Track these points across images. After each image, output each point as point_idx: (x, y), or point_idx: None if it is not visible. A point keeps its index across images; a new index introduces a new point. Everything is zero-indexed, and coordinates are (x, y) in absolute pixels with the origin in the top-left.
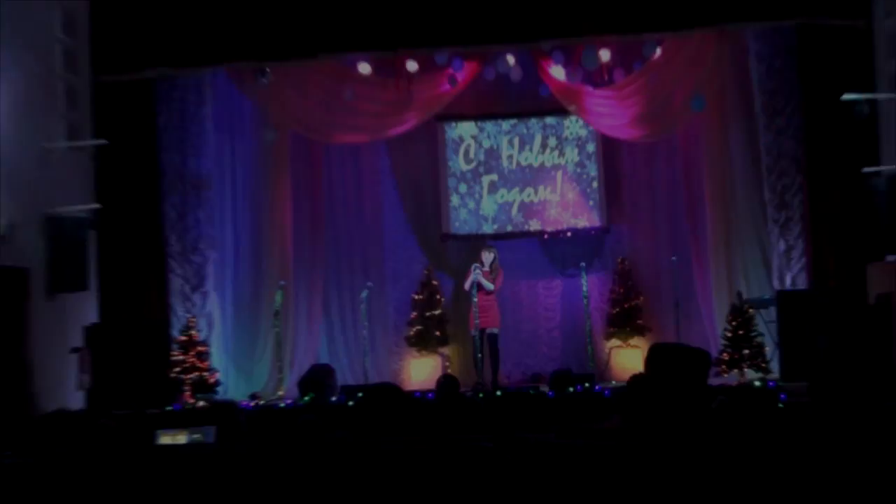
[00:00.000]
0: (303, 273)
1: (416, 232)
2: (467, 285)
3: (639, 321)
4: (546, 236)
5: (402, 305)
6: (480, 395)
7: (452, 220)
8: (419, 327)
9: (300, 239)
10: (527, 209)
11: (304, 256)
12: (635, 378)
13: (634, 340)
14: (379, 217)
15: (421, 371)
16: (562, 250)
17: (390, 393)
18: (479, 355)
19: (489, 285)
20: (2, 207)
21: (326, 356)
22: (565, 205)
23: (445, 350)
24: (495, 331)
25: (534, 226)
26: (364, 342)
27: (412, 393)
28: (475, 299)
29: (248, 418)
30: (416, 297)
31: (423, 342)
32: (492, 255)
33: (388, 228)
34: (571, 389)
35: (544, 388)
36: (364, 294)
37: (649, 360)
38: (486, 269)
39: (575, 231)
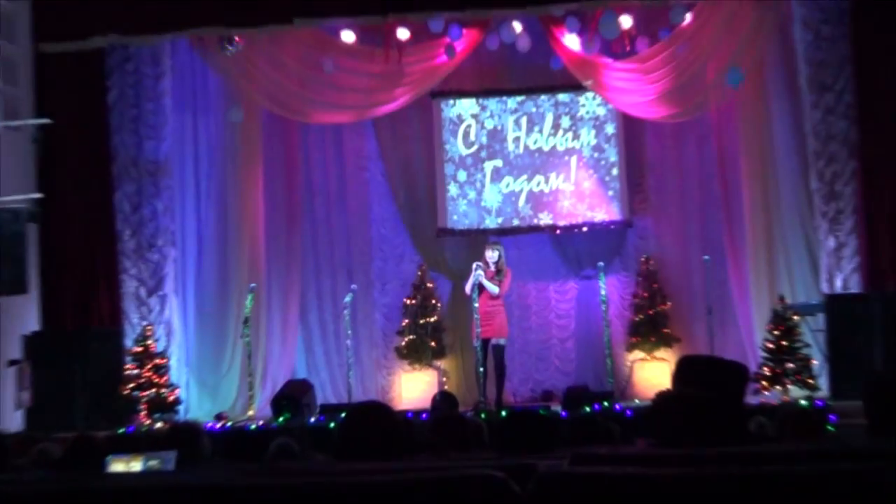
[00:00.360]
0: (277, 274)
1: (407, 226)
2: (468, 288)
3: (665, 330)
4: (559, 232)
5: (392, 312)
6: (483, 415)
7: (450, 212)
8: (411, 337)
9: (274, 234)
10: (536, 200)
11: (279, 254)
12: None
13: (660, 352)
14: (365, 209)
15: (414, 387)
16: (577, 248)
17: (378, 413)
18: (482, 369)
19: (493, 288)
20: None
21: (304, 370)
22: (581, 195)
23: (442, 363)
24: (501, 341)
25: (544, 219)
26: (347, 354)
27: (403, 413)
28: (477, 304)
29: (214, 442)
30: (408, 301)
31: (417, 354)
32: (496, 253)
33: (375, 222)
34: (588, 409)
35: (556, 408)
36: (348, 298)
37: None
38: (491, 269)
39: (592, 225)
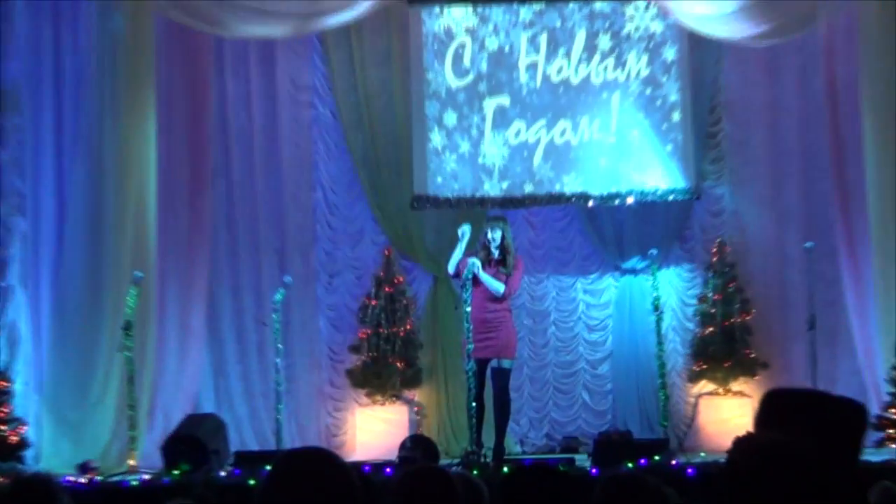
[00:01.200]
0: (175, 259)
1: (368, 192)
2: (451, 267)
3: (747, 351)
4: (592, 203)
5: (344, 317)
6: (475, 471)
7: (432, 172)
8: (372, 355)
9: (171, 202)
10: (559, 157)
11: (178, 232)
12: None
13: (739, 384)
14: (306, 166)
15: (374, 429)
16: (618, 228)
17: (320, 465)
18: (475, 404)
19: (497, 285)
20: None
21: (212, 401)
22: (626, 150)
23: (416, 395)
24: (506, 364)
25: (571, 185)
26: (277, 379)
27: (358, 466)
28: (468, 308)
29: None
30: (368, 302)
31: (379, 381)
32: (498, 234)
33: (320, 185)
34: (630, 465)
35: (584, 462)
36: (278, 296)
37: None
38: (493, 255)
39: (641, 196)
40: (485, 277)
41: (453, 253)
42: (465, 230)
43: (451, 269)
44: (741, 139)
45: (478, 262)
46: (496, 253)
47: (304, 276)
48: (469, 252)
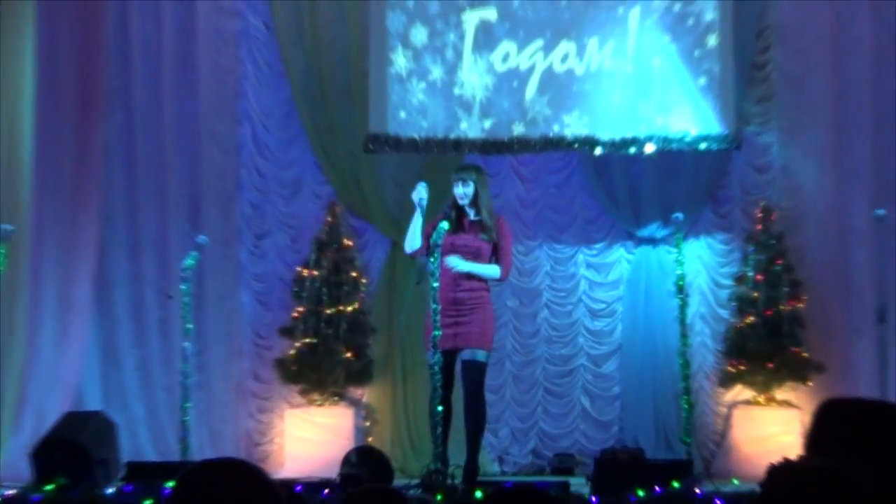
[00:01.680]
0: (54, 210)
1: (309, 129)
2: (409, 245)
3: (796, 349)
4: (600, 152)
5: (273, 290)
6: (439, 495)
7: (393, 105)
8: (308, 341)
9: (51, 137)
10: (560, 89)
11: (60, 175)
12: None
13: (785, 390)
14: (229, 93)
15: (308, 437)
16: (633, 184)
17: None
18: (440, 408)
19: (489, 270)
20: None
21: (98, 396)
22: (645, 84)
23: (365, 394)
24: (479, 355)
25: (574, 126)
26: (184, 369)
27: (288, 486)
28: (435, 284)
29: None
30: (305, 273)
31: (316, 373)
32: (472, 187)
33: (248, 119)
34: (642, 493)
35: (581, 487)
36: (189, 261)
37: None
38: (469, 215)
39: (665, 143)
40: (469, 266)
41: (410, 226)
42: (421, 193)
43: (407, 247)
44: (796, 74)
45: (445, 227)
46: (471, 213)
47: (223, 236)
48: (435, 218)
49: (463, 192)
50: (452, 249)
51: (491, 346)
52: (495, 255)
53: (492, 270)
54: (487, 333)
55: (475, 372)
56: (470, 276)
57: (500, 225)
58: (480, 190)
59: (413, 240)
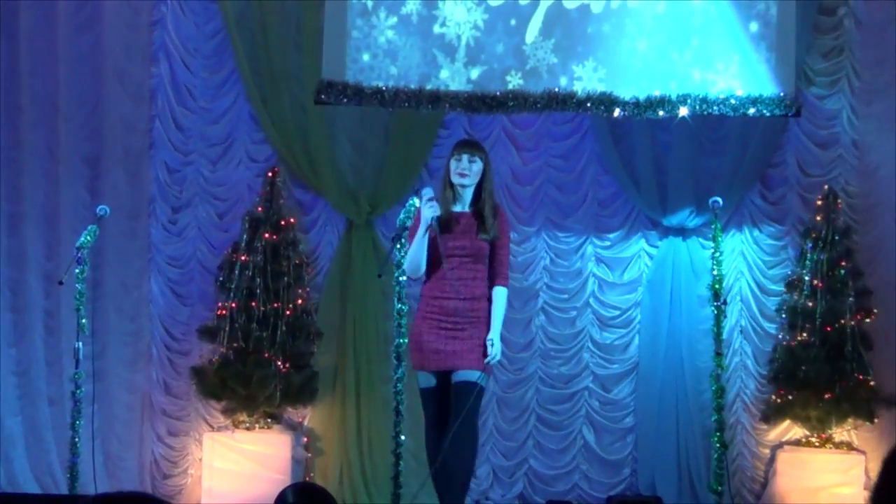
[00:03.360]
0: None
1: (245, 73)
2: (410, 265)
3: (862, 376)
4: (619, 114)
5: (194, 278)
6: None
7: (353, 45)
8: (233, 346)
9: None
10: (569, 32)
11: None
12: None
13: (845, 428)
14: (142, 23)
15: (233, 468)
16: (661, 158)
17: None
18: (403, 438)
19: (498, 340)
20: None
21: None
22: (680, 29)
23: (306, 415)
24: (477, 377)
25: (587, 80)
26: (76, 377)
27: None
28: (402, 277)
29: None
30: (235, 256)
31: (245, 388)
32: (480, 165)
33: (166, 56)
34: None
35: None
36: (86, 239)
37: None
38: (464, 205)
39: (704, 106)
40: (498, 330)
41: (413, 246)
42: (435, 209)
43: (408, 267)
44: (876, 21)
45: (433, 206)
46: (467, 200)
47: (130, 207)
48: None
49: (468, 167)
50: (448, 252)
51: (491, 369)
52: (490, 258)
53: (504, 299)
54: (484, 349)
55: (470, 396)
56: (475, 275)
57: (502, 220)
58: (488, 174)
59: (412, 262)
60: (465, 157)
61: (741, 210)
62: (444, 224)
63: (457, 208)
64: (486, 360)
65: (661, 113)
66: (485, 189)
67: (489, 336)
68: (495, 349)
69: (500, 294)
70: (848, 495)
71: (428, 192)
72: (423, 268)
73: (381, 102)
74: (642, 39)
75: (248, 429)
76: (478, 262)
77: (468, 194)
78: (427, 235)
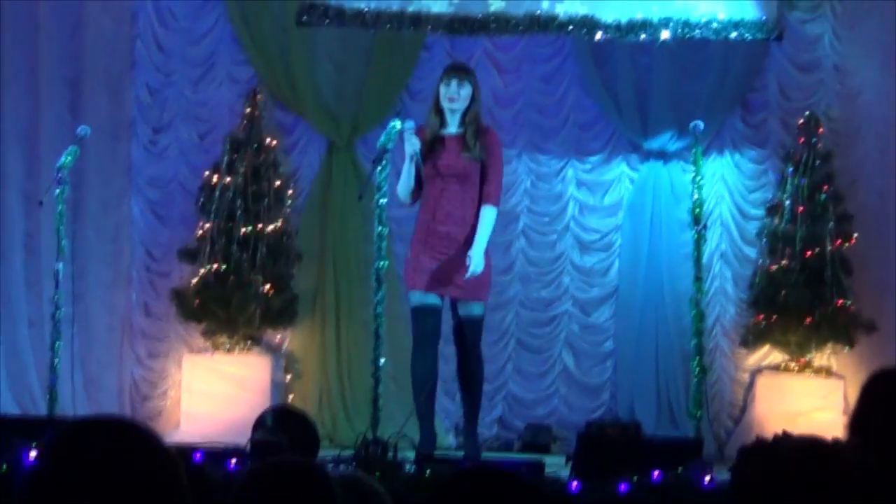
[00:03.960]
0: None
1: None
2: (404, 192)
3: (842, 301)
4: (600, 37)
5: (174, 199)
6: (377, 473)
7: None
8: (213, 267)
9: None
10: None
11: None
12: (749, 458)
13: (825, 354)
14: None
15: (213, 391)
16: (642, 81)
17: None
18: (382, 360)
19: (481, 254)
20: None
21: None
22: None
23: (286, 337)
24: (478, 309)
25: (568, 1)
26: (56, 297)
27: (184, 452)
28: (382, 200)
29: None
30: (212, 178)
31: (225, 310)
32: (469, 89)
33: None
34: (635, 477)
35: (560, 469)
36: (66, 159)
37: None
38: (451, 128)
39: (685, 29)
40: (481, 246)
41: (402, 176)
42: (414, 145)
43: (402, 194)
44: None
45: (413, 136)
46: (454, 124)
47: (110, 127)
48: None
49: (457, 92)
50: (434, 172)
51: (486, 295)
52: (482, 178)
53: (490, 218)
54: (487, 282)
55: (474, 329)
56: (469, 198)
57: (490, 141)
58: (476, 97)
59: (404, 188)
60: (454, 81)
61: (722, 134)
62: (431, 146)
63: (446, 131)
64: (464, 277)
65: (642, 36)
66: (471, 111)
67: (470, 251)
68: (473, 263)
69: (486, 212)
70: (827, 420)
71: (409, 123)
72: (411, 196)
73: (363, 24)
74: None
75: (227, 351)
76: (465, 183)
77: (456, 118)
78: (413, 165)
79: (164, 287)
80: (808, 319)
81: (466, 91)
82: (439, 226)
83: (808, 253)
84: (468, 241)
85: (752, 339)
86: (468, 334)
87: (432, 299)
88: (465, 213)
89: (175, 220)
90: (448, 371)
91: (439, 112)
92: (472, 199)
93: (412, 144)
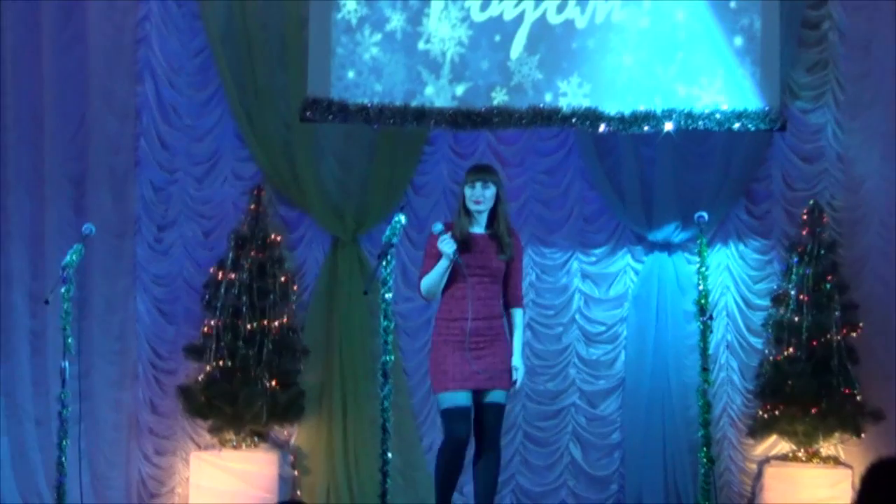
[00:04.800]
0: None
1: (230, 90)
2: (428, 287)
3: (848, 391)
4: (604, 129)
5: (179, 297)
6: None
7: (338, 62)
8: (223, 363)
9: None
10: (554, 47)
11: None
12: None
13: (832, 444)
14: (127, 42)
15: (220, 487)
16: (646, 174)
17: None
18: (389, 455)
19: (521, 365)
20: None
21: None
22: (665, 43)
23: (293, 433)
24: (504, 398)
25: (572, 96)
26: (62, 396)
27: None
28: (388, 294)
29: None
30: (221, 274)
31: (232, 406)
32: (493, 190)
33: (150, 74)
34: None
35: None
36: (72, 258)
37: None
38: (478, 227)
39: (689, 121)
40: (520, 354)
41: (434, 274)
42: (452, 245)
43: (426, 293)
44: (859, 35)
45: (450, 241)
46: (481, 224)
47: (116, 226)
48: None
49: (482, 194)
50: (467, 271)
51: (510, 384)
52: (505, 279)
53: (522, 321)
54: (510, 370)
55: (497, 416)
56: (492, 294)
57: (517, 241)
58: (502, 195)
59: (429, 284)
60: (478, 184)
61: (726, 225)
62: (463, 245)
63: (473, 230)
64: (512, 387)
65: (645, 128)
66: (500, 211)
67: (513, 362)
68: (520, 374)
69: (518, 316)
70: None
71: (437, 227)
72: (439, 292)
73: (366, 119)
74: (627, 54)
75: (234, 447)
76: (495, 282)
77: (483, 217)
78: (450, 266)
79: (170, 384)
80: (815, 409)
81: (491, 192)
82: (468, 322)
83: (814, 342)
84: (493, 335)
85: (759, 429)
86: (490, 420)
87: (464, 400)
88: (492, 309)
89: (180, 318)
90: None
91: (467, 212)
92: (497, 296)
93: (449, 246)
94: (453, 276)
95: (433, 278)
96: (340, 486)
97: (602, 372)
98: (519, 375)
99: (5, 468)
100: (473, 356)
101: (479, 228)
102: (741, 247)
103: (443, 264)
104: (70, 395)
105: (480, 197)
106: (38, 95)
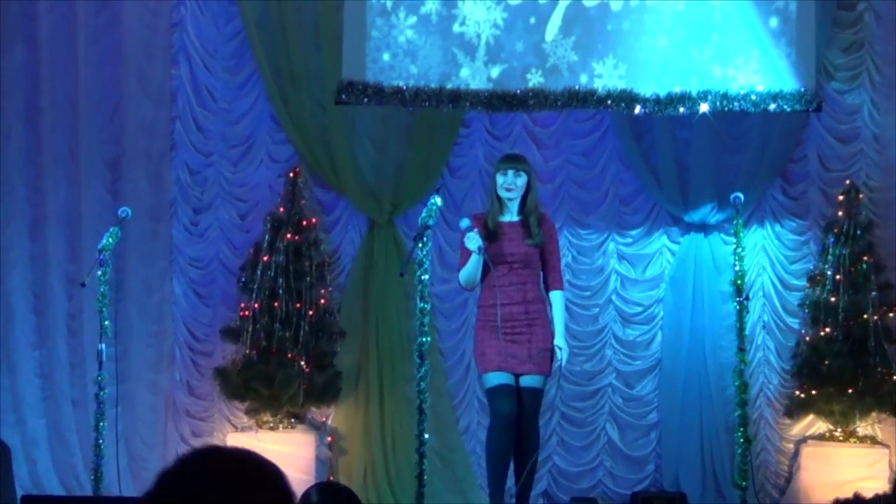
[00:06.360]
0: None
1: (266, 74)
2: (466, 278)
3: (886, 370)
4: (640, 111)
5: (216, 279)
6: None
7: (374, 45)
8: (259, 345)
9: None
10: (589, 29)
11: None
12: None
13: (870, 423)
14: (161, 24)
15: None
16: (682, 155)
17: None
18: (426, 436)
19: (564, 342)
20: None
21: None
22: (700, 24)
23: (329, 414)
24: (542, 383)
25: (607, 77)
26: (99, 378)
27: None
28: (425, 275)
29: None
30: (257, 257)
31: (269, 388)
32: (524, 179)
33: (186, 57)
34: None
35: None
36: (108, 241)
37: None
38: (510, 215)
39: (724, 102)
40: (562, 331)
41: (468, 267)
42: (478, 240)
43: (464, 284)
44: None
45: (476, 235)
46: (513, 211)
47: (151, 209)
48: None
49: (513, 182)
50: (499, 259)
51: (550, 369)
52: (542, 263)
53: (562, 302)
54: (549, 355)
55: (536, 400)
56: (532, 280)
57: (548, 226)
58: (532, 184)
59: (473, 280)
60: (510, 172)
61: (762, 205)
62: (493, 234)
63: (504, 218)
64: (554, 366)
65: (681, 109)
66: (530, 199)
67: (555, 342)
68: (563, 354)
69: (558, 298)
70: (873, 489)
71: (464, 222)
72: (477, 282)
73: (402, 102)
74: (662, 36)
75: (271, 429)
76: (527, 266)
77: (515, 205)
78: (481, 259)
79: (207, 366)
80: (852, 389)
81: (522, 180)
82: (504, 308)
83: (851, 322)
84: (529, 320)
85: (795, 409)
86: (529, 405)
87: (506, 378)
88: (525, 294)
89: (217, 300)
90: None
91: (499, 199)
92: (532, 282)
93: (475, 241)
94: (487, 265)
95: (468, 271)
96: (377, 467)
97: (639, 353)
98: (564, 355)
99: (43, 450)
100: (508, 340)
101: (510, 215)
102: (777, 227)
103: (473, 258)
104: (107, 377)
105: (512, 185)
106: (73, 80)
